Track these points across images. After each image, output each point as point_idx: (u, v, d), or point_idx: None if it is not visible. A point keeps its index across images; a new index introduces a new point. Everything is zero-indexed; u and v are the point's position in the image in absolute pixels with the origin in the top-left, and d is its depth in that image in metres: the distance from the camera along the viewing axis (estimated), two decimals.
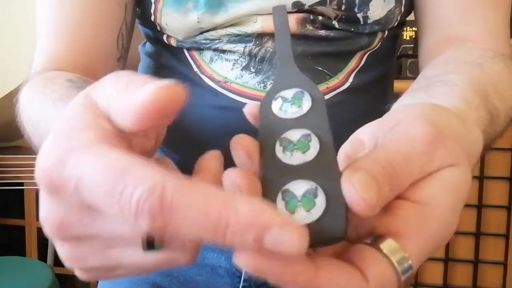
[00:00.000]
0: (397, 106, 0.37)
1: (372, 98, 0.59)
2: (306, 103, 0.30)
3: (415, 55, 1.85)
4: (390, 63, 0.64)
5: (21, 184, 2.04)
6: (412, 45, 1.95)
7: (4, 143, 2.63)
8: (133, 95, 0.24)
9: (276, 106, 0.30)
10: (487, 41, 0.53)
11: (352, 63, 0.57)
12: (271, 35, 0.54)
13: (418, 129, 0.27)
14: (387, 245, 0.25)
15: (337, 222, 0.24)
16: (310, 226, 0.24)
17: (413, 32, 1.94)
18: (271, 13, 0.53)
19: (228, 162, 0.55)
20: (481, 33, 0.54)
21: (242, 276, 0.62)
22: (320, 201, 0.25)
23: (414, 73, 1.76)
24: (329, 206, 0.24)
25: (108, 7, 0.54)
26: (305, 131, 0.28)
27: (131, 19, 0.58)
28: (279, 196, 0.26)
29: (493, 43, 0.53)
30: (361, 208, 0.23)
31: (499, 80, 0.45)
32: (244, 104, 0.54)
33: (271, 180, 0.26)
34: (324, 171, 0.26)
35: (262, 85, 0.54)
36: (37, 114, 0.45)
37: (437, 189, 0.26)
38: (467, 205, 1.85)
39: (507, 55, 0.53)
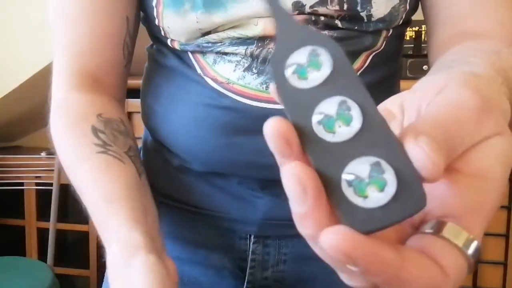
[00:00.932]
0: (430, 78, 0.35)
1: (377, 99, 0.59)
2: (326, 63, 0.25)
3: (415, 55, 1.85)
4: (395, 64, 0.64)
5: (21, 184, 2.04)
6: (412, 45, 1.94)
7: (4, 143, 2.62)
8: None
9: (292, 76, 0.25)
10: (500, 35, 0.53)
11: (357, 64, 0.57)
12: (273, 38, 0.54)
13: (467, 97, 0.26)
14: (451, 232, 0.24)
15: (415, 192, 0.22)
16: (389, 205, 0.22)
17: (413, 32, 1.94)
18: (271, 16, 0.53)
19: (233, 159, 0.56)
20: (493, 28, 0.53)
21: (246, 277, 0.62)
22: (390, 176, 0.22)
23: (414, 73, 1.75)
24: (400, 178, 0.22)
25: (112, 24, 0.59)
26: (339, 98, 0.24)
27: (134, 28, 0.62)
28: (344, 183, 0.23)
29: (506, 36, 0.53)
30: (432, 172, 0.22)
31: None
32: (247, 104, 0.55)
33: (327, 168, 0.23)
34: (379, 140, 0.23)
35: (264, 86, 0.54)
36: (74, 175, 0.54)
37: (490, 160, 0.26)
38: None
39: None
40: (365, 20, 0.55)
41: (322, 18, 0.54)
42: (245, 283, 0.62)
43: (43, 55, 1.95)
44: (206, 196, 0.61)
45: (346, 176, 0.23)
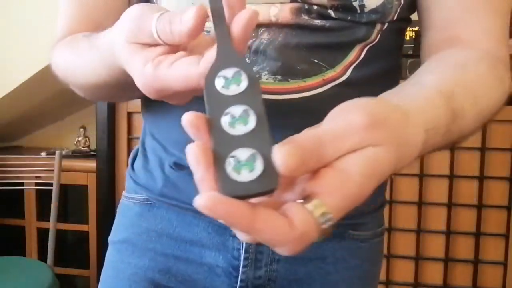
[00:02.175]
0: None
1: (371, 94, 0.59)
2: (244, 82, 0.36)
3: (415, 55, 1.85)
4: (394, 60, 0.63)
5: (21, 184, 2.04)
6: (412, 45, 1.94)
7: (4, 143, 2.63)
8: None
9: (219, 84, 0.36)
10: (486, 43, 0.55)
11: (351, 56, 0.56)
12: (267, 27, 0.54)
13: (356, 116, 0.34)
14: (311, 202, 0.32)
15: (272, 178, 0.32)
16: (253, 182, 0.32)
17: (413, 32, 1.93)
18: (266, 3, 0.54)
19: None
20: (481, 35, 0.55)
21: (239, 276, 0.62)
22: (259, 164, 0.32)
23: (414, 73, 1.75)
24: (265, 167, 0.32)
25: (113, 3, 0.63)
26: (244, 107, 0.35)
27: None
28: (228, 161, 0.33)
29: (491, 44, 0.55)
30: (283, 170, 0.31)
31: (477, 83, 0.49)
32: None
33: (220, 149, 0.33)
34: (261, 140, 0.33)
35: (257, 75, 0.54)
36: (72, 55, 0.59)
37: (356, 160, 0.33)
38: (467, 205, 1.85)
39: (502, 58, 0.55)
40: (358, 10, 0.55)
41: (315, 7, 0.54)
42: (238, 282, 0.62)
43: (43, 56, 1.96)
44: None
45: (231, 156, 0.33)
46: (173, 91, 0.40)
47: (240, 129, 0.34)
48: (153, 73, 0.39)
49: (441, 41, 0.57)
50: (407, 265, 1.89)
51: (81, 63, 0.56)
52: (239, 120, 0.34)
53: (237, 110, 0.35)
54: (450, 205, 1.83)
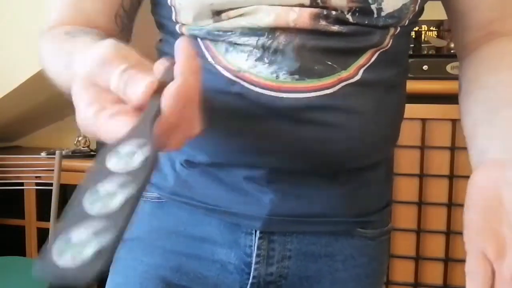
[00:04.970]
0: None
1: (382, 94, 0.60)
2: (136, 160, 0.34)
3: (415, 55, 1.86)
4: (402, 64, 0.64)
5: (21, 184, 2.04)
6: (412, 45, 1.96)
7: (4, 143, 2.62)
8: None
9: (110, 161, 0.34)
10: None
11: (362, 60, 0.57)
12: (283, 30, 0.55)
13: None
14: None
15: (86, 275, 0.27)
16: (66, 270, 0.27)
17: (413, 32, 1.94)
18: (284, 5, 0.54)
19: (241, 145, 0.56)
20: None
21: (251, 273, 0.62)
22: (87, 254, 0.28)
23: (414, 73, 1.76)
24: (92, 260, 0.27)
25: None
26: (115, 188, 0.32)
27: (130, 4, 0.65)
28: (63, 234, 0.29)
29: None
30: None
31: None
32: (256, 92, 0.56)
33: (68, 219, 0.30)
34: (108, 231, 0.29)
35: (275, 75, 0.55)
36: (55, 59, 0.60)
37: None
38: None
39: None
40: (375, 14, 0.55)
41: (333, 13, 0.55)
42: (250, 279, 0.62)
43: None
44: (211, 191, 0.61)
45: (67, 231, 0.29)
46: (103, 138, 0.41)
47: (95, 208, 0.31)
48: (91, 117, 0.40)
49: (480, 37, 0.63)
50: (407, 265, 1.90)
51: (56, 63, 0.58)
52: (101, 199, 0.31)
53: (110, 185, 0.32)
54: (450, 205, 1.84)
